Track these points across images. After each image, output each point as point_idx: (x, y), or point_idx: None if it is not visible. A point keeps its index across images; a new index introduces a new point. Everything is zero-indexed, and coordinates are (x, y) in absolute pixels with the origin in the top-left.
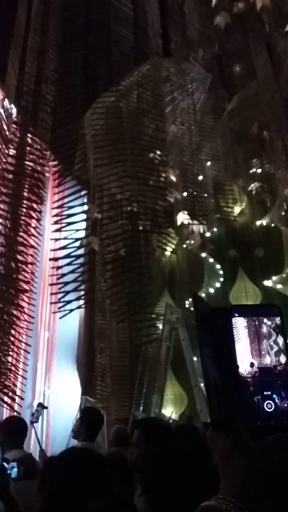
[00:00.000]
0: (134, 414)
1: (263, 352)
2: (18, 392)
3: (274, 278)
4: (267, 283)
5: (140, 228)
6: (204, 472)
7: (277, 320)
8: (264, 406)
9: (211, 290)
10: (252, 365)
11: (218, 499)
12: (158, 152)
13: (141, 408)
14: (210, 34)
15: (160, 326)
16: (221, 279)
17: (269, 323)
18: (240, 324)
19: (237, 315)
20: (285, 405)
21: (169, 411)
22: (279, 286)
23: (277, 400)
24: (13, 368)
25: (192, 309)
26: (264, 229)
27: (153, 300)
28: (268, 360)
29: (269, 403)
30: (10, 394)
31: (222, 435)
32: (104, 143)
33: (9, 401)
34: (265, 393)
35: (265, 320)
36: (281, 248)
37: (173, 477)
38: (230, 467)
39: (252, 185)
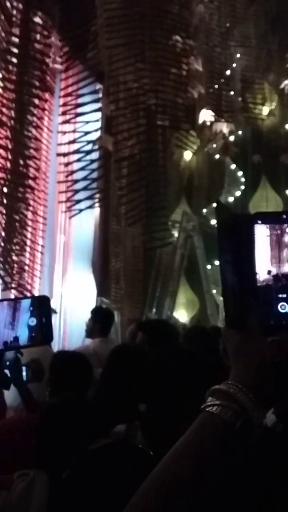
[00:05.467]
0: (146, 315)
1: (282, 260)
2: (35, 292)
3: None
4: None
5: (158, 122)
6: (209, 372)
7: None
8: (278, 307)
9: (231, 199)
10: (269, 272)
11: (227, 384)
12: (183, 34)
13: (154, 310)
14: None
15: (176, 233)
16: (242, 187)
17: None
18: (262, 233)
19: (260, 222)
20: None
21: (181, 314)
22: None
23: None
24: (27, 268)
25: (209, 217)
26: None
27: (169, 205)
28: (287, 268)
29: (283, 305)
30: (25, 293)
31: (235, 331)
32: (120, 20)
33: None
34: (280, 295)
35: None
36: None
37: (175, 377)
38: (240, 358)
39: (285, 82)
